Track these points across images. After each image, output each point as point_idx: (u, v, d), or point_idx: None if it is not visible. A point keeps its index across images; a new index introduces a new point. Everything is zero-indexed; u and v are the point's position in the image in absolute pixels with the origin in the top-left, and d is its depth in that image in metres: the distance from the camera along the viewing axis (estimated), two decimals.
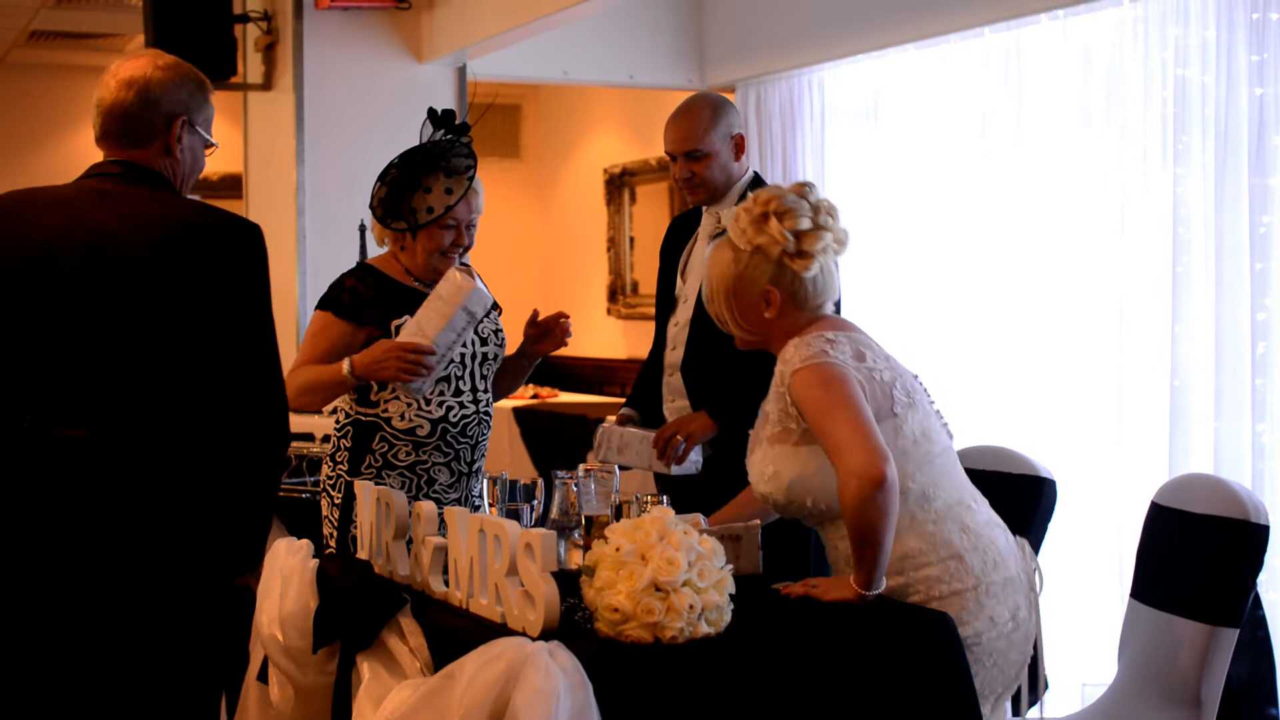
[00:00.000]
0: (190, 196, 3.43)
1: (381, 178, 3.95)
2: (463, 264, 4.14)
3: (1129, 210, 5.57)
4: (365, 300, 3.97)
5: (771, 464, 3.33)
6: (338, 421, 4.11)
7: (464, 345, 3.96)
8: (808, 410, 3.22)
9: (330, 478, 4.09)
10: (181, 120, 3.34)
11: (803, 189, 3.39)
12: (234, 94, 7.60)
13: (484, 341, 4.07)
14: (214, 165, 10.91)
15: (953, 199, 6.46)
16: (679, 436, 4.13)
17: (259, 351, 3.22)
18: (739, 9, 7.63)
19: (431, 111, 3.93)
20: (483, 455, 4.10)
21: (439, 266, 3.97)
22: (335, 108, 6.91)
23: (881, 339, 3.49)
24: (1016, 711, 3.75)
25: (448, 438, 4.00)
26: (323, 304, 4.01)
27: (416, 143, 3.92)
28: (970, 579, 3.27)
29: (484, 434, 4.09)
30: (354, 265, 4.20)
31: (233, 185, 8.57)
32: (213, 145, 3.47)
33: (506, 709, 2.66)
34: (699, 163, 4.28)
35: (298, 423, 5.33)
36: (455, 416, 4.00)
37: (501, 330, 4.17)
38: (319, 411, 4.48)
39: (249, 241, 3.25)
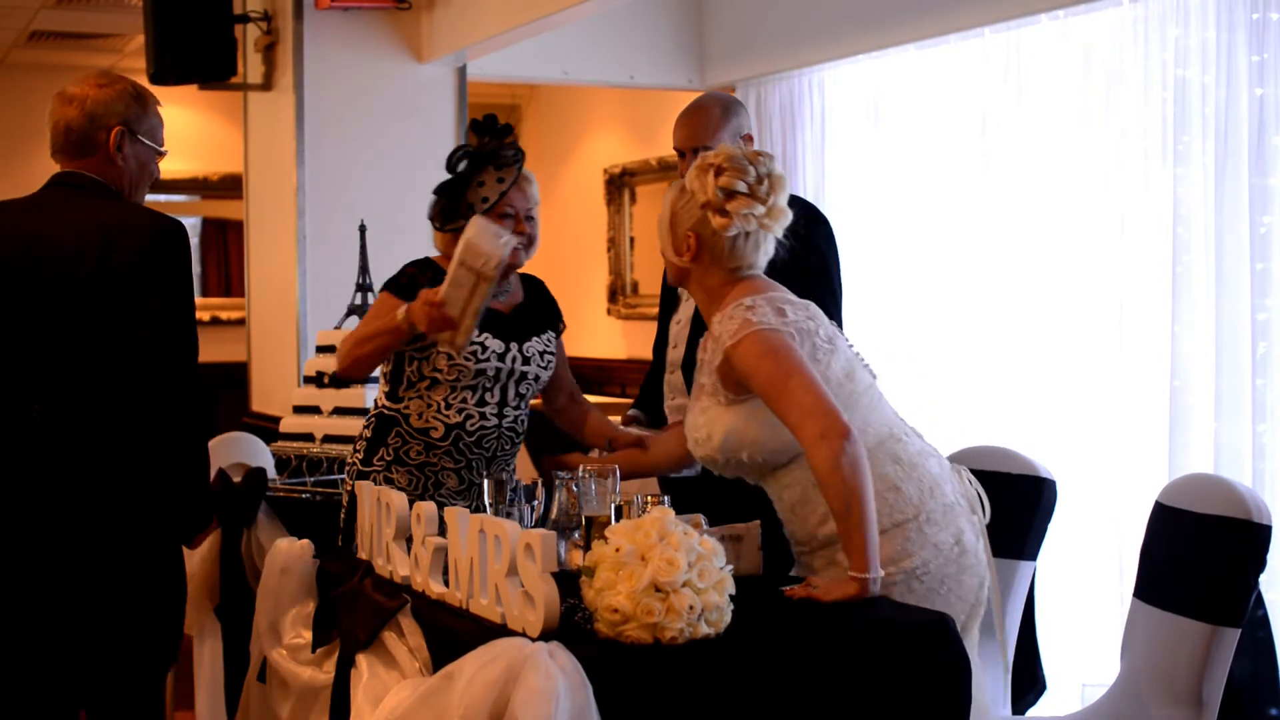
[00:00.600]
0: (152, 198, 3.82)
1: (436, 191, 4.04)
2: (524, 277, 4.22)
3: (1129, 210, 5.57)
4: (420, 287, 3.99)
5: (703, 428, 3.45)
6: (369, 414, 4.18)
7: (488, 304, 3.85)
8: (758, 382, 3.30)
9: (350, 465, 4.18)
10: (119, 131, 3.67)
11: (759, 158, 3.48)
12: (234, 94, 7.60)
13: (526, 360, 4.06)
14: (214, 165, 10.95)
15: (953, 199, 6.45)
16: None
17: (179, 336, 3.52)
18: (739, 9, 7.63)
19: (474, 121, 3.99)
20: (503, 469, 4.09)
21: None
22: (335, 108, 6.90)
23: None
24: (1017, 711, 3.75)
25: (460, 445, 4.01)
26: (385, 285, 4.09)
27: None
28: (910, 509, 3.36)
29: (505, 449, 4.08)
30: (420, 258, 4.21)
31: (233, 185, 8.58)
32: (161, 152, 3.78)
33: (506, 709, 2.66)
34: None
35: (297, 423, 5.34)
36: (473, 426, 4.01)
37: (552, 351, 4.16)
38: (363, 380, 4.44)
39: (172, 239, 3.56)
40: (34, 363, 3.47)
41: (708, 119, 4.31)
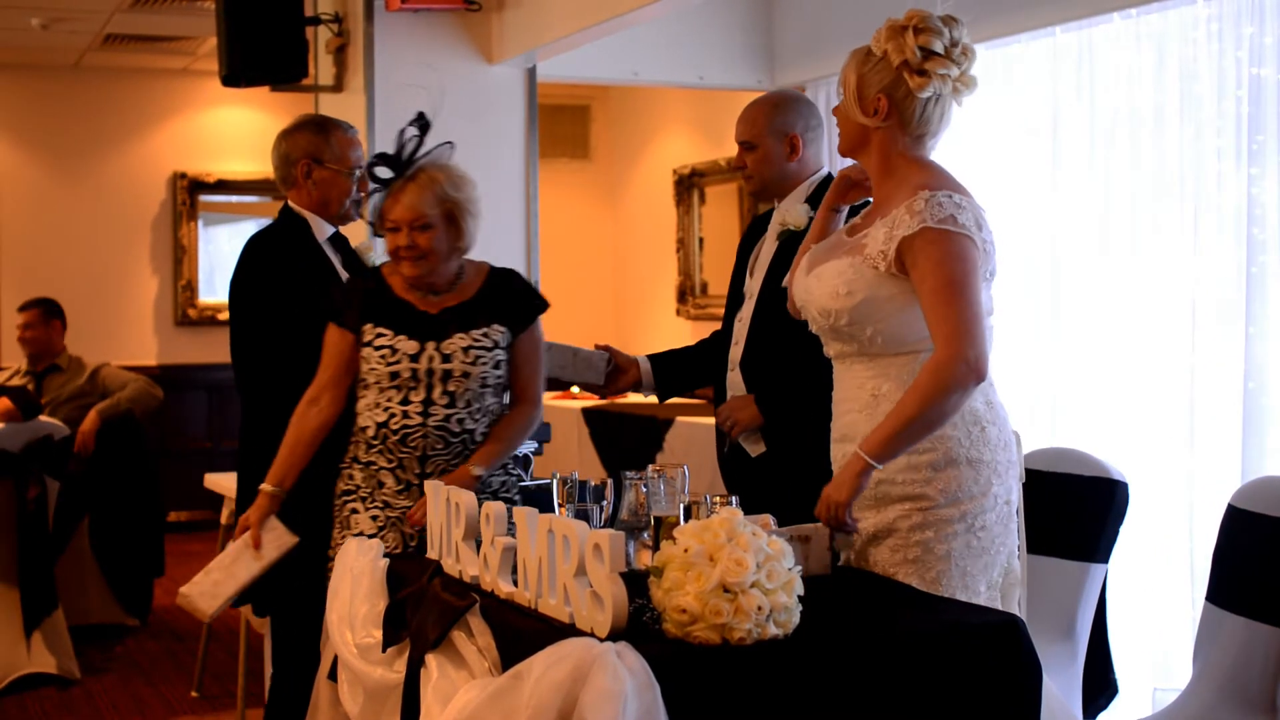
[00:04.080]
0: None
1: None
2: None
3: (1203, 210, 5.52)
4: (344, 300, 4.14)
5: (847, 284, 3.39)
6: None
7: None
8: (929, 273, 3.28)
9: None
10: (304, 163, 4.56)
11: (952, 21, 3.44)
12: (305, 95, 7.64)
13: (446, 359, 4.03)
14: None
15: (1024, 198, 6.41)
16: (727, 424, 4.31)
17: (252, 327, 4.47)
18: (809, 8, 7.61)
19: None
20: (442, 470, 4.04)
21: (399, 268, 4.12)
22: (405, 109, 6.93)
23: None
24: (1089, 715, 3.73)
25: (388, 443, 4.05)
26: (326, 316, 4.20)
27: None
28: (988, 451, 3.37)
29: (436, 448, 4.04)
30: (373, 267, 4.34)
31: None
32: (357, 169, 4.61)
33: (574, 710, 2.67)
34: (749, 154, 4.39)
35: None
36: (395, 424, 4.03)
37: (483, 347, 4.06)
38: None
39: (258, 254, 4.53)
40: (234, 351, 4.51)
41: (755, 114, 4.40)
